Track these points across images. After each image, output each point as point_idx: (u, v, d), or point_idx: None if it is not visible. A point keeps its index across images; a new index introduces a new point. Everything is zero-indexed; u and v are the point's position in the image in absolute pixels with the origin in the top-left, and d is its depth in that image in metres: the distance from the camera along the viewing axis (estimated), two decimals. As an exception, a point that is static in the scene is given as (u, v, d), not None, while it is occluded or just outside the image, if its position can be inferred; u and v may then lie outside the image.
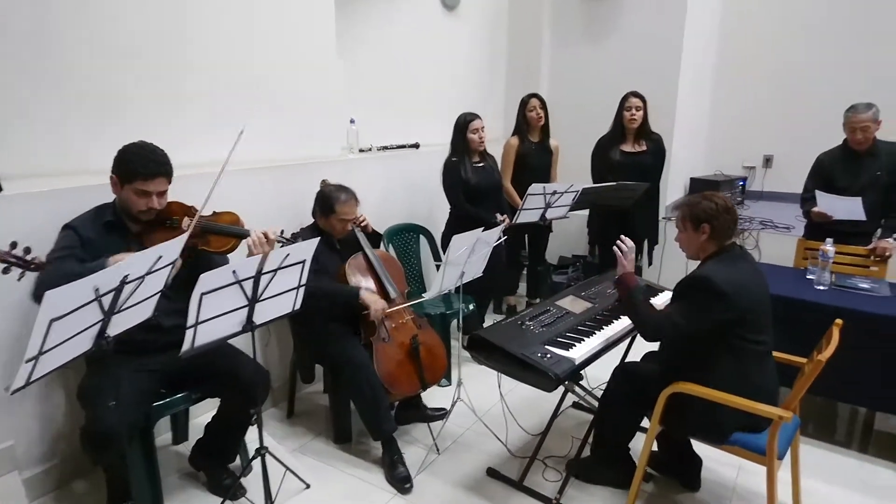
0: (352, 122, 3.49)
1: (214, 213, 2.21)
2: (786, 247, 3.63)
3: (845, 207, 3.05)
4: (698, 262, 2.19)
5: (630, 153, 3.69)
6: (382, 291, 2.70)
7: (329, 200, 2.64)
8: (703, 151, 5.31)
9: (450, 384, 3.18)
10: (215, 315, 1.72)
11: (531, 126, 3.77)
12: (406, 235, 3.63)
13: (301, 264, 1.91)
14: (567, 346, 2.17)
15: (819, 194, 3.15)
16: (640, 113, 3.59)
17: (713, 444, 2.09)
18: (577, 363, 2.08)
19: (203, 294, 1.65)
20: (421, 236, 3.70)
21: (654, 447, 2.40)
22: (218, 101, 2.73)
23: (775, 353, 2.14)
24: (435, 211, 3.80)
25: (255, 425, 2.08)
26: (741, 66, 5.07)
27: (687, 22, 4.31)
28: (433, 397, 2.93)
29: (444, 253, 2.77)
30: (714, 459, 2.43)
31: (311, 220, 2.77)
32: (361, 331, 2.61)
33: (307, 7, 3.04)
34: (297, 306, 2.00)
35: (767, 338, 2.07)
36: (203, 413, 2.73)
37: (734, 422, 2.01)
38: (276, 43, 2.92)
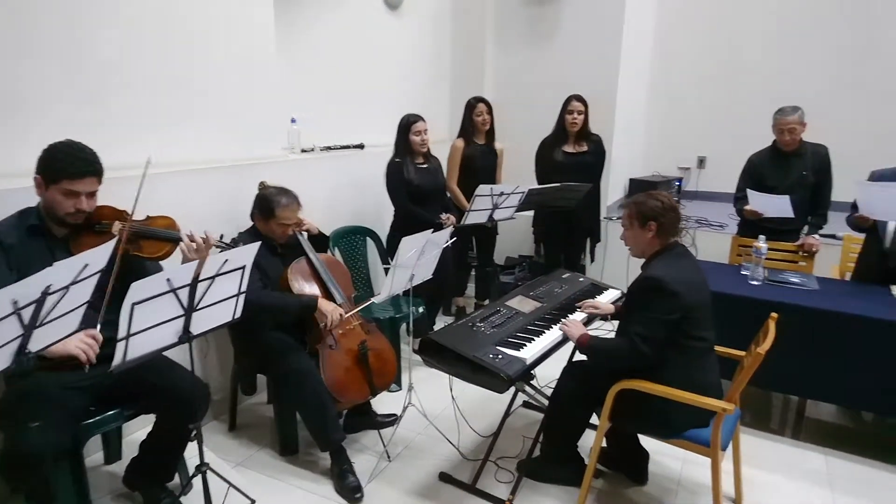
0: (293, 121, 3.38)
1: (148, 217, 2.09)
2: (721, 244, 3.78)
3: (775, 205, 3.20)
4: (641, 258, 2.23)
5: (572, 154, 3.77)
6: (328, 297, 2.63)
7: (269, 204, 2.54)
8: (641, 153, 5.49)
9: (400, 389, 3.13)
10: (149, 326, 1.62)
11: (477, 129, 3.78)
12: (352, 238, 3.55)
13: (241, 270, 1.82)
14: (518, 347, 2.17)
15: (750, 193, 3.30)
16: (582, 117, 3.68)
17: (662, 438, 2.13)
18: (528, 363, 2.08)
19: (135, 304, 1.54)
20: (368, 239, 3.63)
21: (603, 443, 2.44)
22: (151, 98, 2.58)
23: (718, 348, 2.22)
24: (382, 213, 3.74)
25: (195, 441, 1.97)
26: (675, 70, 5.28)
27: (625, 26, 4.44)
28: (383, 403, 2.88)
29: (390, 255, 2.72)
30: (659, 453, 2.49)
31: (251, 224, 2.66)
32: (307, 338, 2.52)
33: (246, 5, 2.92)
34: (238, 315, 1.91)
35: (710, 334, 2.13)
36: (137, 430, 2.56)
37: (682, 417, 2.06)
38: (211, 39, 2.79)
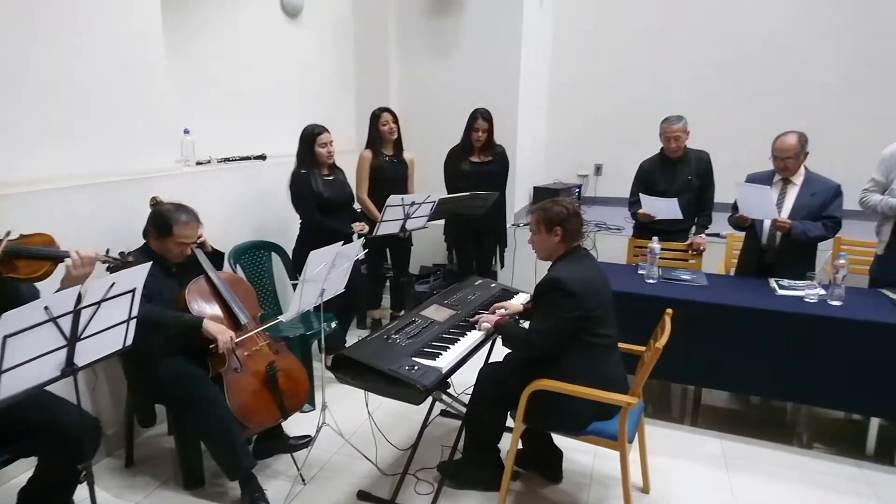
0: (186, 132, 3.19)
1: (22, 235, 1.88)
2: (618, 246, 4.01)
3: (664, 208, 3.43)
4: (548, 262, 2.30)
5: (478, 163, 3.87)
6: (231, 317, 2.49)
7: (166, 221, 2.37)
8: (543, 162, 5.70)
9: (314, 409, 3.03)
10: (25, 360, 1.45)
11: (384, 140, 3.76)
12: (256, 254, 3.39)
13: (131, 293, 1.67)
14: (434, 356, 2.16)
15: (642, 197, 3.52)
16: (486, 134, 3.80)
17: (572, 435, 2.20)
18: (444, 372, 2.07)
19: (7, 337, 1.37)
20: (273, 254, 3.48)
21: (519, 445, 2.48)
22: (26, 110, 2.33)
23: (620, 345, 2.33)
24: (288, 226, 3.61)
25: (86, 483, 1.78)
26: (571, 83, 5.55)
27: (523, 40, 4.60)
28: (296, 425, 2.76)
29: (298, 270, 2.63)
30: (572, 449, 2.57)
31: (143, 242, 2.47)
32: (208, 362, 2.37)
33: (128, 8, 2.72)
34: (129, 342, 1.76)
35: (613, 331, 2.24)
36: (18, 475, 2.29)
37: (591, 413, 2.15)
38: (94, 46, 2.57)
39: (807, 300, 2.75)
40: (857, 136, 4.37)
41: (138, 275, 1.70)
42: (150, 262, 1.77)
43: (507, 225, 4.34)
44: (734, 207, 3.23)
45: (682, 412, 3.25)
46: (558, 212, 2.20)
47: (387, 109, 3.78)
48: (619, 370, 2.25)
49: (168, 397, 2.39)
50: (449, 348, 2.22)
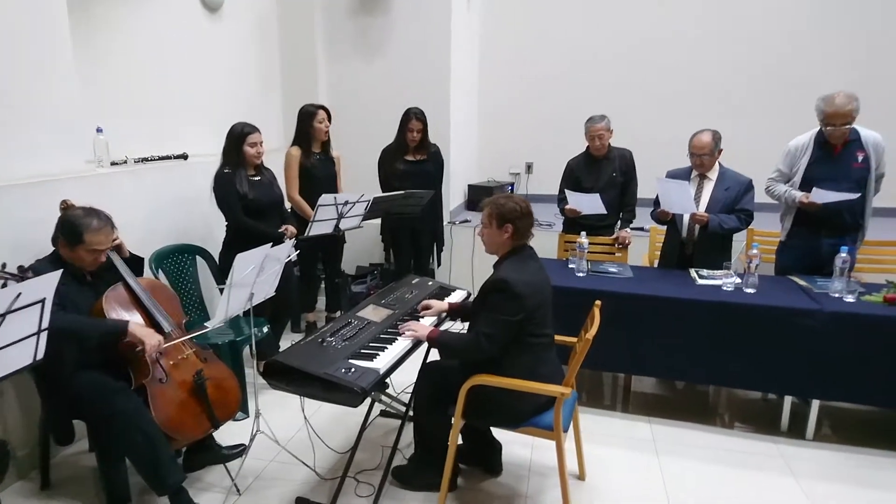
0: (99, 130, 2.99)
1: None
2: (550, 241, 4.10)
3: (589, 204, 3.55)
4: (494, 255, 2.32)
5: (413, 162, 3.87)
6: (154, 326, 2.36)
7: (76, 228, 2.20)
8: (476, 160, 5.77)
9: (247, 416, 2.92)
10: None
11: (316, 137, 3.68)
12: (179, 258, 3.23)
13: (40, 304, 1.55)
14: (371, 357, 2.13)
15: (568, 193, 3.63)
16: (420, 134, 3.80)
17: (511, 428, 2.24)
18: (381, 372, 2.05)
19: None
20: (198, 258, 3.33)
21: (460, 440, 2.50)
22: None
23: (554, 337, 2.38)
24: (214, 229, 3.46)
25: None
26: (501, 83, 5.63)
27: (452, 40, 4.63)
28: (229, 434, 2.66)
29: (225, 274, 2.52)
30: (510, 442, 2.61)
31: (52, 249, 2.30)
32: (130, 374, 2.24)
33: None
34: (40, 356, 1.63)
35: (550, 330, 2.29)
36: None
37: (527, 405, 2.19)
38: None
39: (724, 289, 2.92)
40: (766, 133, 4.67)
41: (47, 284, 1.57)
42: (61, 270, 1.64)
43: (444, 223, 4.36)
44: (656, 203, 3.38)
45: (613, 399, 3.37)
46: (511, 209, 2.21)
47: (322, 107, 3.71)
48: (555, 366, 2.30)
49: (86, 412, 2.23)
50: (386, 348, 2.20)
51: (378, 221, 4.05)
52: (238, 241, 3.02)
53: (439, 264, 4.33)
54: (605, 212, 3.58)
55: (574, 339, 2.46)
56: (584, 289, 2.97)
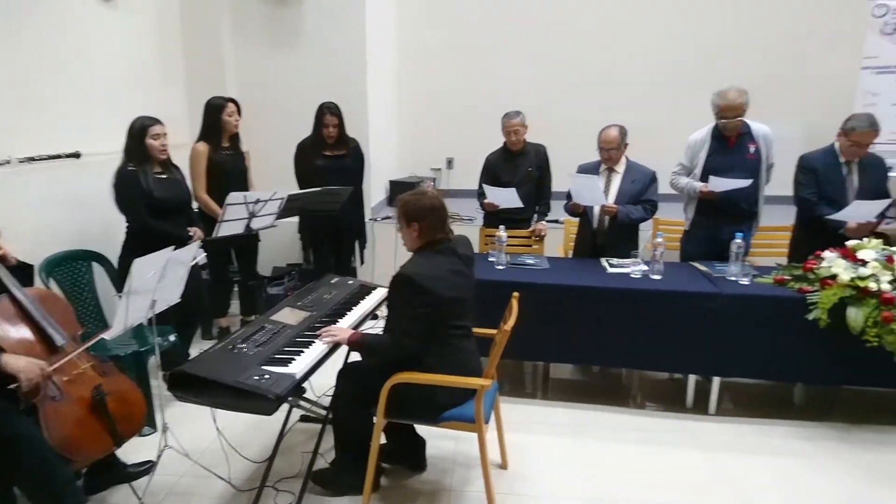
0: (-25, 128, 2.71)
1: None
2: (472, 236, 4.11)
3: (505, 197, 3.61)
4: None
5: (331, 157, 3.78)
6: (45, 340, 2.16)
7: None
8: (397, 155, 5.74)
9: (155, 431, 2.75)
10: None
11: (226, 131, 3.51)
12: (73, 265, 2.98)
13: None
14: (286, 362, 2.06)
15: (486, 188, 3.68)
16: (337, 129, 3.71)
17: (434, 423, 2.24)
18: (297, 377, 1.99)
19: None
20: (94, 264, 3.09)
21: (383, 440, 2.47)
22: None
23: (474, 329, 2.39)
24: (112, 232, 3.22)
25: None
26: (420, 78, 5.62)
27: (368, 33, 4.56)
28: (135, 451, 2.49)
29: (125, 281, 2.35)
30: (434, 437, 2.61)
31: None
32: (18, 393, 2.04)
33: None
34: None
35: (468, 321, 2.30)
36: None
37: (449, 400, 2.20)
38: None
39: (632, 276, 3.06)
40: (670, 128, 4.93)
41: None
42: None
43: (366, 220, 4.29)
44: (568, 196, 3.48)
45: (534, 387, 3.46)
46: (415, 206, 2.21)
47: (231, 99, 3.55)
48: (474, 357, 2.32)
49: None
50: (303, 352, 2.14)
51: (296, 219, 3.92)
52: (140, 244, 2.82)
53: (362, 262, 4.26)
54: (522, 205, 3.65)
55: (494, 331, 2.49)
56: (503, 281, 3.01)
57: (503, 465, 2.57)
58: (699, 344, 2.90)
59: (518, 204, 3.60)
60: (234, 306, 3.98)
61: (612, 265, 3.23)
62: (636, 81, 5.35)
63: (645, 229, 3.65)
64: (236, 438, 2.63)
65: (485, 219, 3.96)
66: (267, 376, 1.93)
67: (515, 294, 2.45)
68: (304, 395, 2.47)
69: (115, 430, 2.17)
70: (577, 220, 3.63)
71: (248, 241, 3.60)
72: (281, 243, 4.40)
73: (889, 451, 2.71)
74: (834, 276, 2.74)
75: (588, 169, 3.45)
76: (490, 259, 3.33)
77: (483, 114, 5.20)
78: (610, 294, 2.96)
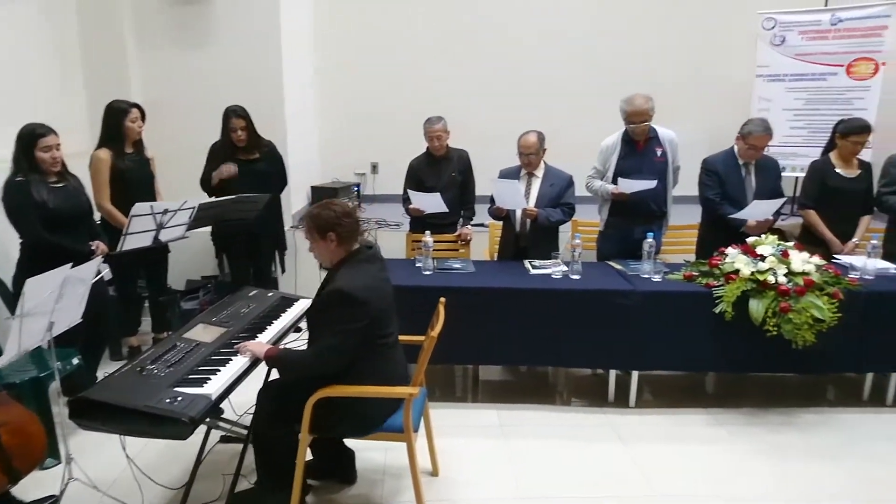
0: None
1: None
2: (398, 241, 4.12)
3: (430, 202, 3.62)
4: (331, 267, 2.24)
5: (245, 161, 3.64)
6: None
7: None
8: (319, 160, 5.61)
9: (59, 462, 2.53)
10: None
11: (129, 137, 3.30)
12: (-41, 286, 2.71)
13: None
14: (200, 382, 1.95)
15: (411, 193, 3.67)
16: (246, 132, 3.58)
17: (362, 436, 2.20)
18: (214, 398, 1.89)
19: None
20: (-14, 284, 2.82)
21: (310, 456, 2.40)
22: None
23: (401, 337, 2.37)
24: (7, 249, 2.96)
25: None
26: (340, 80, 5.53)
27: (283, 34, 4.43)
28: (36, 485, 2.29)
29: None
30: (364, 448, 2.56)
31: None
32: None
33: None
34: None
35: (394, 329, 2.27)
36: None
37: (378, 411, 2.16)
38: None
39: (553, 276, 3.14)
40: (584, 133, 5.12)
41: None
42: None
43: (286, 227, 4.16)
44: (492, 200, 3.54)
45: (464, 391, 3.48)
46: (327, 216, 2.15)
47: (135, 105, 3.34)
48: (402, 365, 2.30)
49: None
50: (219, 371, 2.03)
51: (209, 229, 3.74)
52: (37, 260, 2.59)
53: (283, 271, 4.13)
54: (447, 210, 3.67)
55: (422, 338, 2.47)
56: (430, 286, 3.02)
57: (434, 472, 2.56)
58: (617, 340, 3.02)
59: (443, 209, 3.62)
60: (146, 324, 3.74)
61: (534, 266, 3.30)
62: (553, 89, 5.51)
63: (565, 231, 3.77)
64: (151, 465, 2.47)
65: (411, 224, 3.95)
66: (180, 398, 1.82)
67: (442, 299, 2.45)
68: (223, 416, 2.35)
69: (11, 465, 1.98)
70: (500, 223, 3.68)
71: (156, 254, 3.39)
72: (195, 255, 4.20)
73: (791, 432, 2.93)
74: (736, 271, 2.93)
75: (509, 174, 3.52)
76: (417, 264, 3.32)
77: (407, 118, 5.17)
78: (533, 295, 3.02)
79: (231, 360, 2.12)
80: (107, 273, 2.40)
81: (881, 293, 2.98)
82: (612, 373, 3.19)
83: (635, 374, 3.13)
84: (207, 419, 2.06)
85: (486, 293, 3.04)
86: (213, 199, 3.34)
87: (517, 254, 3.54)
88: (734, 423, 3.00)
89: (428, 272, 3.23)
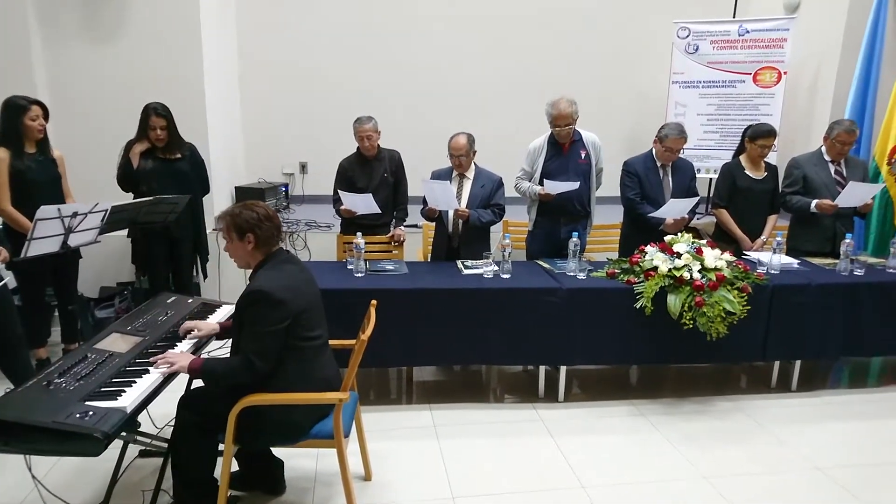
0: None
1: None
2: (329, 243, 4.06)
3: (362, 203, 3.58)
4: (248, 269, 2.19)
5: (165, 160, 3.48)
6: None
7: None
8: (244, 160, 5.43)
9: (-47, 489, 2.33)
10: None
11: (28, 136, 3.07)
12: None
13: None
14: (114, 395, 1.84)
15: (342, 194, 3.62)
16: (166, 132, 3.42)
17: (293, 444, 2.15)
18: (128, 412, 1.79)
19: None
20: None
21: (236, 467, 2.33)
22: None
23: (332, 341, 2.34)
24: None
25: None
26: (266, 79, 5.37)
27: (203, 25, 4.27)
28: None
29: None
30: (293, 456, 2.50)
31: None
32: None
33: None
34: None
35: (322, 331, 2.23)
36: None
37: (306, 418, 2.12)
38: None
39: (485, 276, 3.19)
40: (513, 135, 5.23)
41: None
42: None
43: (208, 230, 4.01)
44: (424, 201, 3.55)
45: (398, 392, 3.47)
46: (248, 217, 2.09)
47: (37, 102, 3.11)
48: (332, 368, 2.26)
49: None
50: (135, 382, 1.93)
51: (125, 232, 3.54)
52: None
53: (205, 277, 3.97)
54: (380, 211, 3.64)
55: (353, 342, 2.44)
56: (362, 289, 2.99)
57: (367, 477, 2.54)
58: (546, 336, 3.10)
59: (375, 210, 3.59)
60: (56, 334, 3.50)
61: (466, 267, 3.34)
62: (483, 92, 5.59)
63: (496, 231, 3.83)
64: (62, 484, 2.31)
65: (342, 226, 3.89)
66: (92, 413, 1.71)
67: (373, 302, 2.43)
68: (140, 430, 2.23)
69: None
70: (433, 224, 3.70)
71: (64, 260, 3.17)
72: (110, 260, 3.98)
73: (706, 419, 3.11)
74: (655, 268, 3.08)
75: (441, 174, 3.54)
76: (349, 267, 3.28)
77: (337, 116, 5.13)
78: (466, 294, 3.05)
79: (148, 371, 2.01)
80: (10, 280, 2.22)
81: (785, 287, 3.21)
82: (542, 369, 3.27)
83: (563, 370, 3.23)
84: (123, 433, 1.95)
85: (418, 294, 3.04)
86: (129, 201, 3.16)
87: (450, 254, 3.57)
88: (655, 412, 3.15)
89: (360, 274, 3.20)
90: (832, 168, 3.71)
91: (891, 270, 3.44)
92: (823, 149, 3.74)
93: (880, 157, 4.34)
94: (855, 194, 3.53)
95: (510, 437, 2.89)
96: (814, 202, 3.60)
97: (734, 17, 5.58)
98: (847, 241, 3.38)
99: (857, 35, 4.57)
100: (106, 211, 2.89)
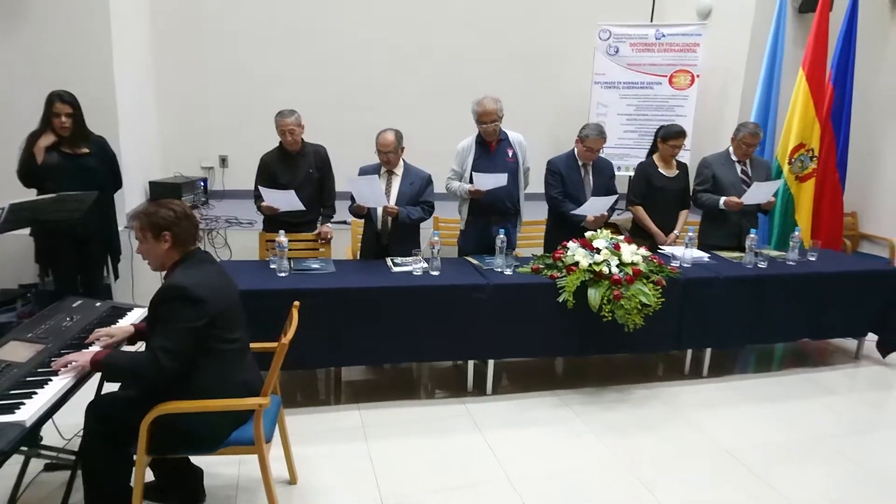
0: None
1: None
2: (251, 241, 3.92)
3: (284, 200, 3.48)
4: (162, 271, 2.10)
5: (67, 155, 3.26)
6: None
7: None
8: (159, 154, 5.17)
9: None
10: None
11: None
12: None
13: None
14: (12, 409, 1.71)
15: (263, 190, 3.51)
16: (71, 120, 3.21)
17: (212, 452, 2.07)
18: (28, 425, 1.67)
19: None
20: None
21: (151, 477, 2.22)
22: None
23: (253, 344, 2.27)
24: None
25: None
26: (183, 72, 5.14)
27: (112, 16, 4.02)
28: None
29: None
30: (214, 464, 2.42)
31: None
32: None
33: None
34: None
35: (242, 334, 2.16)
36: None
37: (226, 425, 2.05)
38: None
39: (414, 273, 3.19)
40: (442, 134, 5.26)
41: None
42: None
43: (119, 228, 3.78)
44: (352, 198, 3.50)
45: (326, 394, 3.42)
46: (164, 215, 2.00)
47: None
48: (253, 372, 2.19)
49: None
50: (35, 394, 1.80)
51: (26, 232, 3.28)
52: None
53: (116, 277, 3.75)
54: (304, 208, 3.56)
55: (274, 345, 2.38)
56: (285, 289, 2.91)
57: (292, 481, 2.48)
58: (474, 331, 3.14)
59: (298, 207, 3.50)
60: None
61: (396, 264, 3.33)
62: (412, 89, 5.60)
63: (426, 228, 3.84)
64: (-49, 508, 2.12)
65: (265, 223, 3.77)
66: (-16, 429, 1.59)
67: (296, 303, 2.37)
68: (43, 443, 2.09)
69: None
70: (362, 220, 3.66)
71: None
72: (12, 261, 3.68)
73: (624, 407, 3.25)
74: (576, 263, 3.19)
75: (369, 171, 3.50)
76: (272, 266, 3.19)
77: (259, 108, 4.97)
78: (395, 292, 3.04)
79: (50, 380, 1.88)
80: None
81: (696, 279, 3.41)
82: (471, 363, 3.32)
83: (491, 363, 3.29)
84: (24, 448, 1.81)
85: (346, 293, 2.99)
86: (30, 198, 2.93)
87: (379, 252, 3.54)
88: (578, 402, 3.27)
89: (283, 274, 3.11)
90: (738, 168, 3.97)
91: (791, 263, 3.73)
92: (731, 149, 3.99)
93: (782, 157, 4.68)
94: (759, 193, 3.80)
95: (438, 434, 2.91)
96: (722, 199, 3.84)
97: (651, 21, 5.84)
98: (752, 235, 3.63)
99: (762, 43, 4.91)
100: (3, 209, 2.67)
